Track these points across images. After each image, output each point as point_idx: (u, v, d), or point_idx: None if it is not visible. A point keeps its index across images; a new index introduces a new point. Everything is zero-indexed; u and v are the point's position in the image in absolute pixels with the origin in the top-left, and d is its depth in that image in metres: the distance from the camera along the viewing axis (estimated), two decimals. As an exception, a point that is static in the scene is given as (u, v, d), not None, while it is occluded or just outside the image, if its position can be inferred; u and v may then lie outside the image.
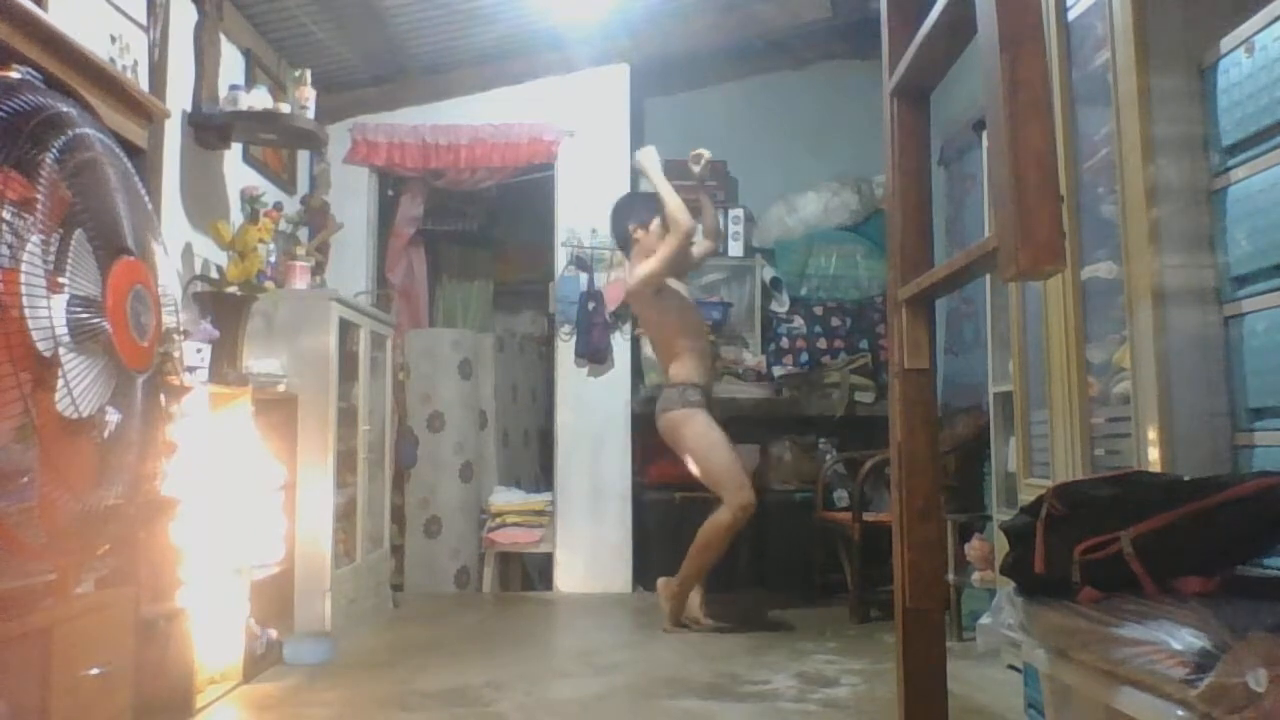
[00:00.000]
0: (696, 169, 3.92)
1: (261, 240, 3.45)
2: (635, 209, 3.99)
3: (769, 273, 5.11)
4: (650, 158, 3.88)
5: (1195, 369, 1.84)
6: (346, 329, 3.78)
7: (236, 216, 3.69)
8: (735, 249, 5.07)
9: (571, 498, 4.67)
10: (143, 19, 3.04)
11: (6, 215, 1.67)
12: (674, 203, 3.74)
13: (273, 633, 3.25)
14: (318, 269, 4.33)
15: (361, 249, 4.83)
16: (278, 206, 4.02)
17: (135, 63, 2.99)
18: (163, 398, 2.25)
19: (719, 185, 5.14)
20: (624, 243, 4.03)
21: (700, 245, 4.03)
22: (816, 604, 4.36)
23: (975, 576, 3.39)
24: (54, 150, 1.81)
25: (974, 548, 3.41)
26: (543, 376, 5.43)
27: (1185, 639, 1.10)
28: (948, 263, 1.28)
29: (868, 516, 4.03)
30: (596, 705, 2.82)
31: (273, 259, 3.72)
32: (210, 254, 3.48)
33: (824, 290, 5.09)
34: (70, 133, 1.89)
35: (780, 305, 5.08)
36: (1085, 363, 2.19)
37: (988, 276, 3.12)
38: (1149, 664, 1.14)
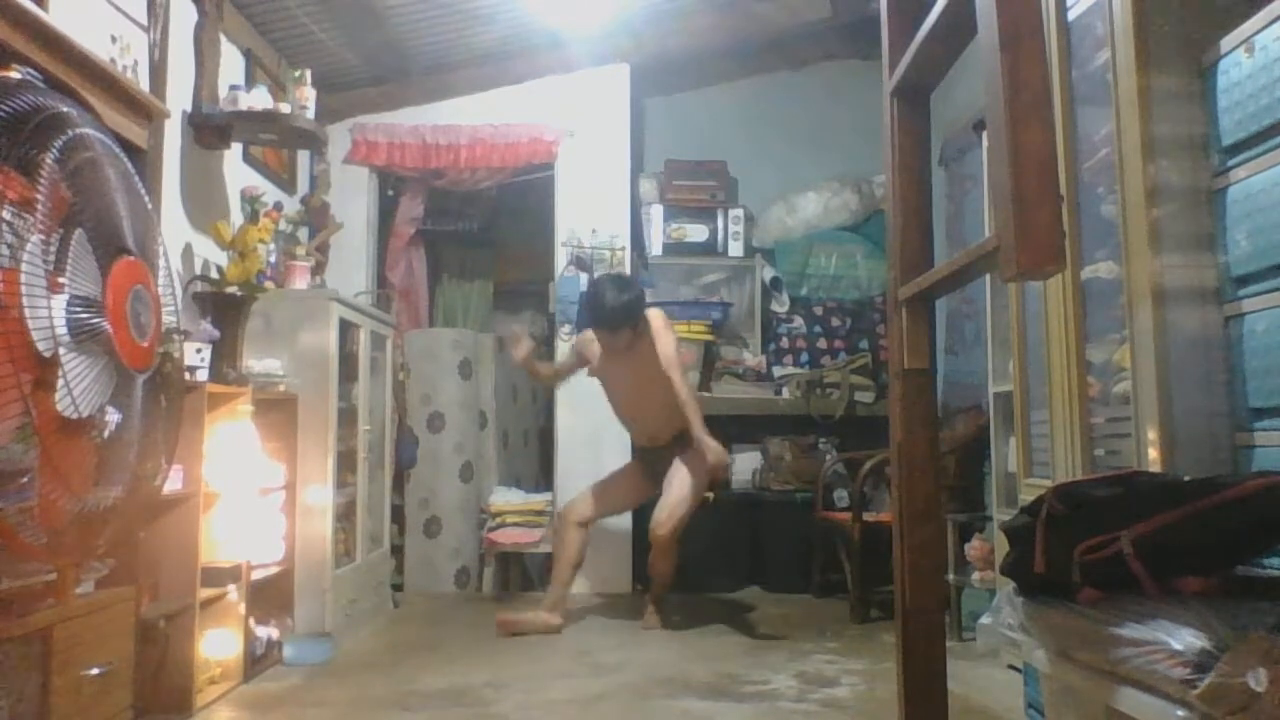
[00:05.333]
0: None
1: (261, 240, 3.45)
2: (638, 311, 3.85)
3: (769, 273, 5.11)
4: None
5: (1195, 369, 1.84)
6: (346, 329, 3.78)
7: (236, 216, 3.69)
8: (735, 249, 5.08)
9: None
10: (143, 19, 3.04)
11: (6, 215, 1.67)
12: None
13: (273, 633, 3.25)
14: (318, 269, 4.33)
15: (361, 249, 4.82)
16: (278, 206, 4.02)
17: (135, 63, 2.98)
18: (163, 398, 2.25)
19: (719, 185, 5.15)
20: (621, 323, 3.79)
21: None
22: (816, 604, 4.37)
23: (975, 576, 3.39)
24: (54, 150, 1.81)
25: (974, 548, 3.41)
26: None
27: (1185, 639, 1.10)
28: (948, 263, 1.28)
29: (868, 516, 4.03)
30: (596, 705, 2.82)
31: (273, 259, 3.72)
32: (210, 254, 3.48)
33: (824, 290, 5.09)
34: (70, 133, 1.89)
35: (780, 305, 5.09)
36: (1085, 363, 2.19)
37: (988, 276, 3.12)
38: (1149, 664, 1.14)
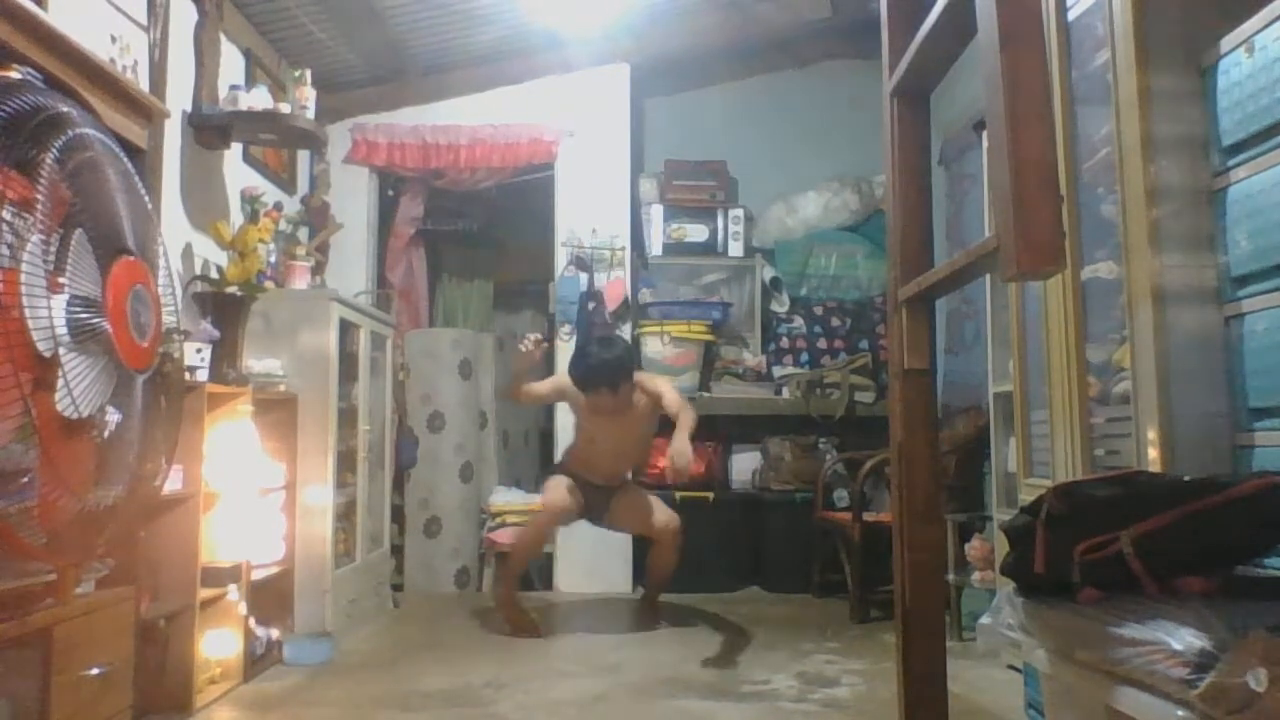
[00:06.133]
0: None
1: (261, 240, 3.45)
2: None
3: (769, 273, 5.11)
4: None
5: (1195, 369, 1.84)
6: (346, 329, 3.78)
7: (236, 216, 3.69)
8: (735, 249, 5.08)
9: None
10: (143, 19, 3.04)
11: (6, 215, 1.67)
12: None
13: (273, 633, 3.25)
14: (318, 269, 4.32)
15: (361, 249, 4.82)
16: (278, 206, 4.02)
17: (135, 63, 2.98)
18: (163, 398, 2.25)
19: (719, 185, 5.15)
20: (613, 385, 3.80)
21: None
22: (816, 604, 4.37)
23: (975, 576, 3.39)
24: (54, 150, 1.81)
25: (974, 548, 3.41)
26: (543, 377, 5.42)
27: (1185, 639, 1.10)
28: (948, 263, 1.28)
29: (868, 516, 4.03)
30: (596, 705, 2.82)
31: (273, 259, 3.73)
32: (210, 254, 3.48)
33: (824, 290, 5.09)
34: (70, 133, 1.89)
35: (780, 305, 5.08)
36: (1085, 363, 2.19)
37: (988, 276, 3.12)
38: (1149, 664, 1.14)
